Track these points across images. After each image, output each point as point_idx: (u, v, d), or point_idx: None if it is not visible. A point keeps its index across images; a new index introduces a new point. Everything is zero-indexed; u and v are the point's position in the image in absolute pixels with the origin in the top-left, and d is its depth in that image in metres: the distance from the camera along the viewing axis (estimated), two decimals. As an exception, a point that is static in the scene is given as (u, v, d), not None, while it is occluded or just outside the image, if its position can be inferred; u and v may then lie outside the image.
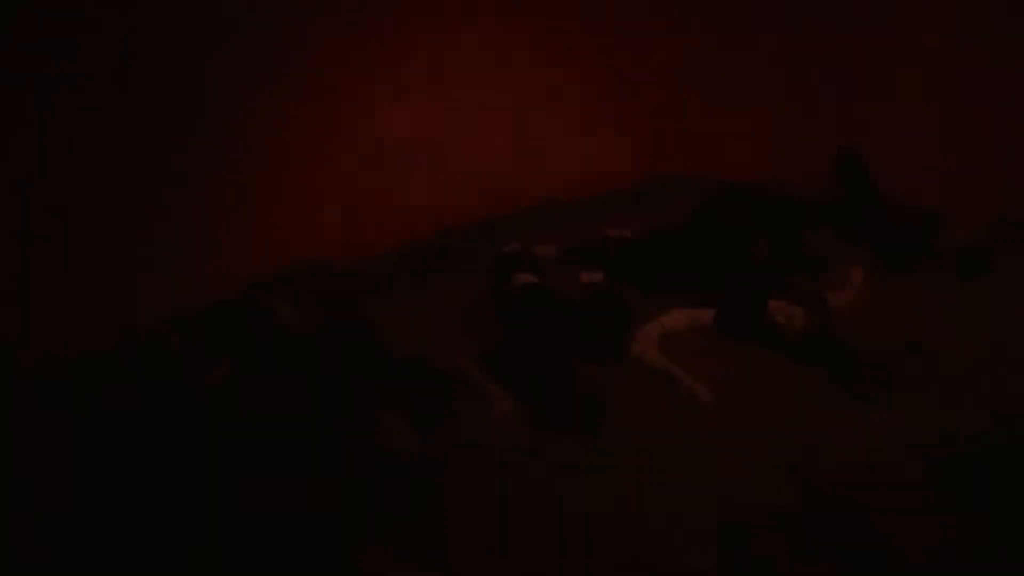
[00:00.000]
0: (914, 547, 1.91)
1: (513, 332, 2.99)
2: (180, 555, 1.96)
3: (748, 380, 2.90)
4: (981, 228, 3.99)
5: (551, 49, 4.36)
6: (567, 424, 2.54)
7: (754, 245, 3.80)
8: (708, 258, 3.56)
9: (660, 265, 3.62)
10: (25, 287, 2.82)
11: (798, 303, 3.21)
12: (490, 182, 4.24)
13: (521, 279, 3.18)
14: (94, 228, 2.95)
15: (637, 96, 4.88)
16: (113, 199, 2.97)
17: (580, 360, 2.77)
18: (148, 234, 3.11)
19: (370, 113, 3.68)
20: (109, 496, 2.12)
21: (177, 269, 3.20)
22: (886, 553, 1.87)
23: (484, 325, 3.20)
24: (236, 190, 3.33)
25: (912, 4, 4.56)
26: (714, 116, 5.29)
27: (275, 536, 2.01)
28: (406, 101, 3.80)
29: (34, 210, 2.80)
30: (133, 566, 1.95)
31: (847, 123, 4.77)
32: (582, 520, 2.16)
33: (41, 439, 2.42)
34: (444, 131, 4.00)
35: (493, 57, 4.10)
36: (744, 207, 4.23)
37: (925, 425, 2.51)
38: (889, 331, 3.24)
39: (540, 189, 4.53)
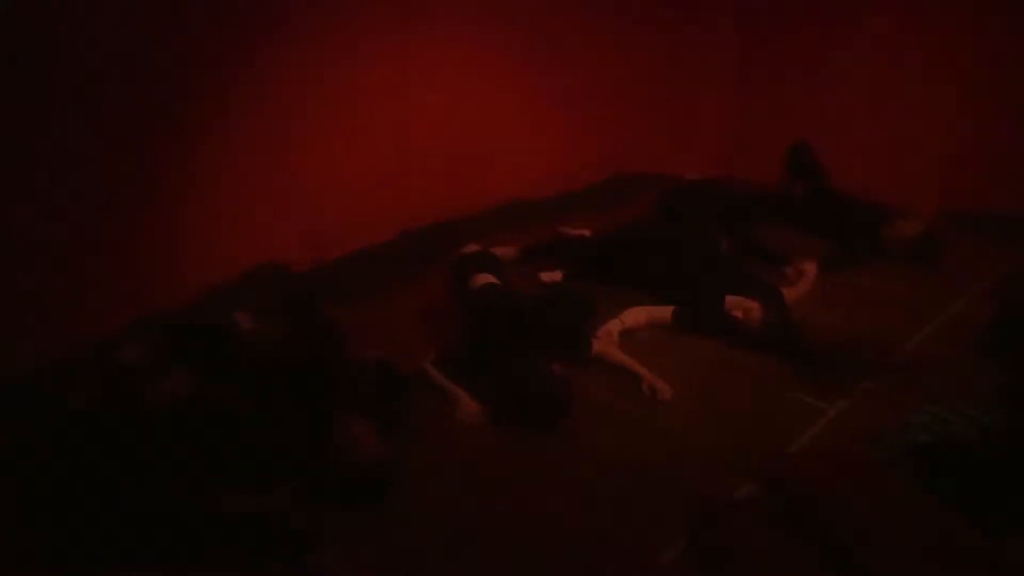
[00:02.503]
0: (876, 532, 1.95)
1: (475, 333, 2.98)
2: (137, 565, 1.92)
3: (708, 374, 2.94)
4: (928, 221, 4.11)
5: (511, 53, 4.37)
6: (531, 423, 2.55)
7: (711, 241, 3.85)
8: (666, 255, 3.60)
9: (619, 263, 3.65)
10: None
11: (754, 297, 3.27)
12: (450, 183, 4.23)
13: (481, 280, 3.18)
14: (49, 233, 2.87)
15: (595, 97, 4.92)
16: (70, 205, 2.89)
17: (542, 359, 2.77)
18: (106, 242, 3.03)
19: (329, 117, 3.64)
20: (64, 508, 2.07)
21: (135, 277, 3.13)
22: (849, 539, 1.90)
23: (446, 326, 3.19)
24: (196, 197, 3.27)
25: (861, 10, 4.68)
26: (670, 116, 5.36)
27: (236, 542, 1.97)
28: (366, 105, 3.77)
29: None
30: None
31: (800, 122, 4.87)
32: (548, 519, 2.17)
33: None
34: (404, 134, 3.98)
35: (453, 61, 4.10)
36: (701, 204, 4.29)
37: (882, 413, 2.57)
38: (843, 322, 3.32)
39: (499, 190, 4.53)
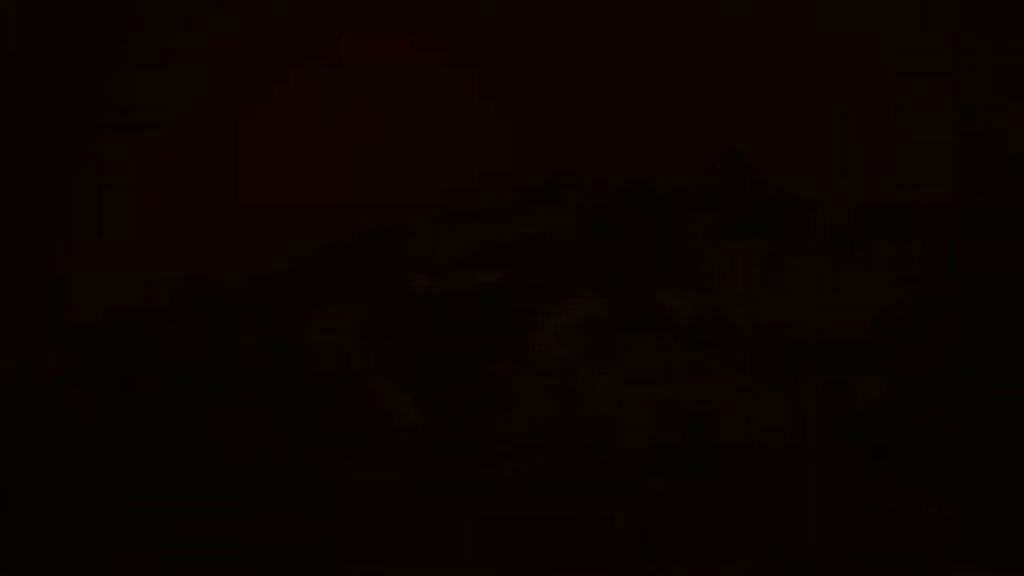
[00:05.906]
0: (812, 512, 2.03)
1: (413, 336, 2.97)
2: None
3: (646, 367, 3.00)
4: (845, 213, 4.29)
5: (438, 50, 4.37)
6: (470, 423, 2.55)
7: (647, 239, 3.93)
8: (602, 251, 3.65)
9: (556, 261, 3.68)
10: None
11: (687, 290, 3.35)
12: (383, 185, 4.20)
13: (418, 282, 3.17)
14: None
15: (525, 96, 4.96)
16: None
17: (482, 360, 2.78)
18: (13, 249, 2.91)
19: (261, 119, 3.58)
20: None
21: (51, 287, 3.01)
22: (789, 521, 1.97)
23: (383, 331, 3.16)
24: (115, 200, 3.16)
25: (782, 3, 4.85)
26: (602, 115, 5.44)
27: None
28: (292, 104, 3.71)
29: None
30: None
31: (730, 118, 5.01)
32: (493, 521, 2.18)
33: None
34: (333, 135, 3.93)
35: (380, 56, 4.07)
36: (634, 201, 4.37)
37: (811, 397, 2.66)
38: (772, 312, 3.43)
39: (433, 192, 4.52)
